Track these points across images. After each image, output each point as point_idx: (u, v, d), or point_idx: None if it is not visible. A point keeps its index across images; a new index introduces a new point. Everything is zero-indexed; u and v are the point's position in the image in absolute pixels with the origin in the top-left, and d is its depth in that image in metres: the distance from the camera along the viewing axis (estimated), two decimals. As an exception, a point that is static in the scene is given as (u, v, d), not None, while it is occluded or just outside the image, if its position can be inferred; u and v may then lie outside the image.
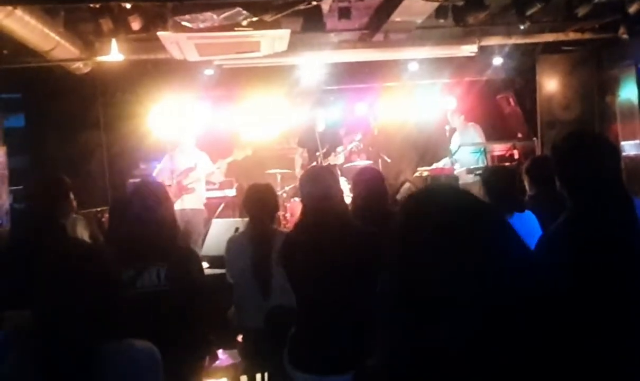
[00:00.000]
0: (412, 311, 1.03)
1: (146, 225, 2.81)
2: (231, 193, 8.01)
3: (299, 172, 8.10)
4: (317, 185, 2.95)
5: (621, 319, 1.91)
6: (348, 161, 8.41)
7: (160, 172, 7.00)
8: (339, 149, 8.23)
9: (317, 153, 7.93)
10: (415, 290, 1.03)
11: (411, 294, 1.03)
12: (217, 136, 8.13)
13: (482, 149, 7.62)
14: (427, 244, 1.03)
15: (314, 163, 7.88)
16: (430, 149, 9.02)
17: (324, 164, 7.64)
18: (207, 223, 6.86)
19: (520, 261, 1.04)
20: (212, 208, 7.72)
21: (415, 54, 7.45)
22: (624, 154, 7.36)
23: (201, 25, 5.08)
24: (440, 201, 1.10)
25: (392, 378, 1.05)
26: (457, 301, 0.98)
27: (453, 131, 8.26)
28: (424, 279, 1.02)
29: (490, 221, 1.09)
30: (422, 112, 8.83)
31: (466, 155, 7.77)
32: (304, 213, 3.06)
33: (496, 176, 3.80)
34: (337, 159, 8.05)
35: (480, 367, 0.97)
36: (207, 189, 7.72)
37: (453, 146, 8.00)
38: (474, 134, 8.15)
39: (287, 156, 8.45)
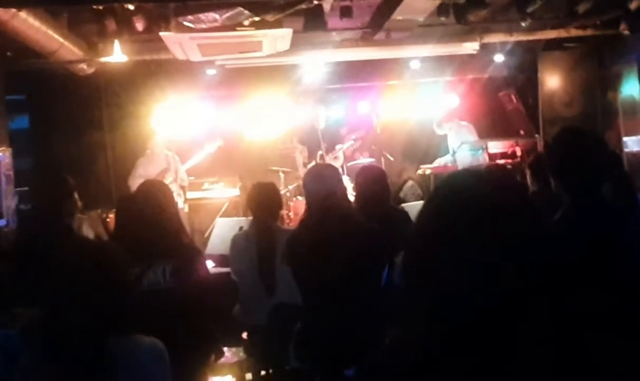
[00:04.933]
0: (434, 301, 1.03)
1: (152, 223, 2.85)
2: (235, 192, 8.04)
3: (301, 170, 8.11)
4: (321, 183, 2.98)
5: (620, 314, 1.93)
6: (351, 160, 8.42)
7: (136, 178, 6.83)
8: (338, 147, 8.23)
9: (320, 151, 7.94)
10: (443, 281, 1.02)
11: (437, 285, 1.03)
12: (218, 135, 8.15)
13: (483, 146, 7.64)
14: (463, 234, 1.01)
15: (314, 162, 7.89)
16: (432, 147, 9.03)
17: (324, 162, 7.65)
18: (203, 225, 6.90)
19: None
20: (216, 208, 7.76)
21: (417, 52, 7.46)
22: (626, 150, 7.36)
23: (203, 26, 5.11)
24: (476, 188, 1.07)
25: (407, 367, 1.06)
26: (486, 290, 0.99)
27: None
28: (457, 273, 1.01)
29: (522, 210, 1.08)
30: (424, 110, 8.85)
31: (467, 153, 7.79)
32: (308, 210, 3.09)
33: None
34: (336, 160, 8.05)
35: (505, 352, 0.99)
36: (211, 189, 7.77)
37: (452, 145, 8.02)
38: (468, 131, 8.15)
39: (290, 155, 8.46)
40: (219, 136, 7.65)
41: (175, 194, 6.90)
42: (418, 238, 1.09)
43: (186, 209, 7.32)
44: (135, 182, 6.42)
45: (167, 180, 6.87)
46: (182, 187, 7.42)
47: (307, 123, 8.44)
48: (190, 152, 7.35)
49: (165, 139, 7.34)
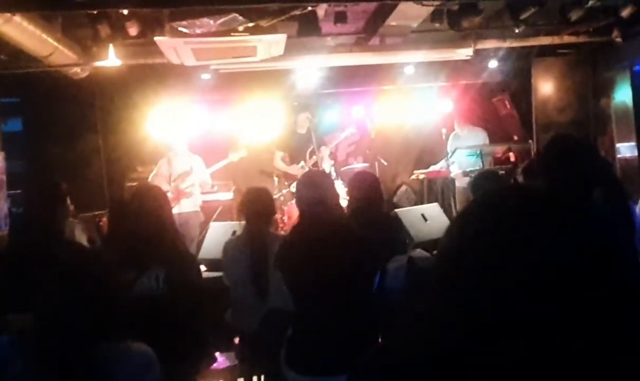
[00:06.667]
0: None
1: (145, 229, 2.84)
2: (228, 196, 8.03)
3: (295, 171, 8.04)
4: (313, 190, 2.98)
5: (616, 317, 1.94)
6: (345, 164, 8.41)
7: (157, 177, 6.94)
8: (331, 145, 8.07)
9: (312, 153, 7.89)
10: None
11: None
12: (213, 139, 8.16)
13: (479, 151, 7.65)
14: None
15: (302, 162, 7.79)
16: (426, 152, 9.05)
17: (309, 164, 7.60)
18: (203, 226, 6.87)
19: None
20: (209, 211, 7.73)
21: (411, 58, 7.48)
22: (618, 156, 7.41)
23: (198, 31, 5.11)
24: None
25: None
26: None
27: (450, 133, 8.26)
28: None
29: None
30: (418, 115, 8.87)
31: (462, 158, 7.80)
32: (300, 217, 3.10)
33: (486, 179, 3.84)
34: (323, 159, 7.87)
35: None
36: (204, 193, 7.74)
37: (450, 148, 8.02)
38: (484, 137, 8.07)
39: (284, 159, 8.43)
40: (244, 146, 7.64)
41: (195, 197, 6.95)
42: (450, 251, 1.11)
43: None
44: (155, 182, 6.48)
45: (187, 182, 6.87)
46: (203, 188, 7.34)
47: (288, 128, 8.35)
48: (213, 158, 7.32)
49: (188, 141, 7.26)
